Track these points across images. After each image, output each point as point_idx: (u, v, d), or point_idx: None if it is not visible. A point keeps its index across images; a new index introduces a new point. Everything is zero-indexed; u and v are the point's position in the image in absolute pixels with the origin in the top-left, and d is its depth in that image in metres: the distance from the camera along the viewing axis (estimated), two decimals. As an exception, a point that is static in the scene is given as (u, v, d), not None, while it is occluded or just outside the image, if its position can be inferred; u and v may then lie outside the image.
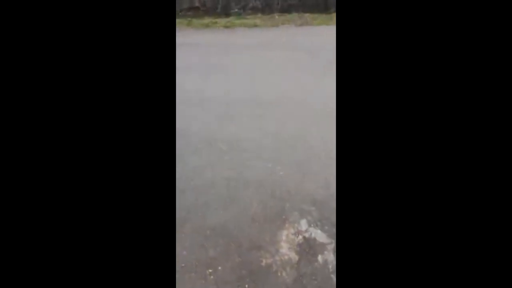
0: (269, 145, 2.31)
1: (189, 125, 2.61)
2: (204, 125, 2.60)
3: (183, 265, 1.45)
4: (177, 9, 6.47)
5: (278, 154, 2.20)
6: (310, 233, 1.59)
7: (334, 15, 5.42)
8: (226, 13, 6.28)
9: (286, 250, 1.50)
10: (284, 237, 1.57)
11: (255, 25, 5.59)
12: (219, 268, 1.43)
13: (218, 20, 5.98)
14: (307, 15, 5.87)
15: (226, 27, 5.65)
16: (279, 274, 1.40)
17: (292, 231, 1.60)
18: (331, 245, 1.51)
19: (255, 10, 6.23)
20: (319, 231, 1.59)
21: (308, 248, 1.51)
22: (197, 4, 6.45)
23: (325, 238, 1.56)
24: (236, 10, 6.28)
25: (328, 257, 1.46)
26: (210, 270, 1.43)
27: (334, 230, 1.58)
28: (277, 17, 5.95)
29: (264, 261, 1.46)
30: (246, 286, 1.35)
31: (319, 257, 1.46)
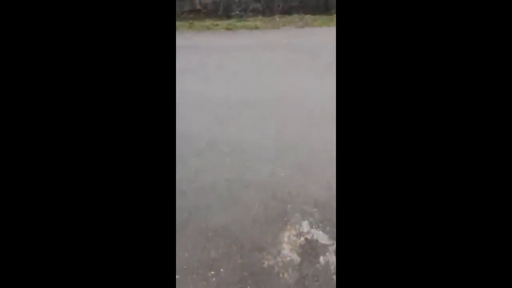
0: (270, 146, 2.31)
1: (191, 126, 2.62)
2: (205, 127, 2.61)
3: (185, 267, 1.46)
4: (179, 11, 6.50)
5: (279, 156, 2.20)
6: (312, 234, 1.59)
7: (335, 17, 5.43)
8: (227, 15, 6.30)
9: (288, 252, 1.50)
10: (286, 239, 1.57)
11: (256, 27, 5.61)
12: (221, 269, 1.44)
13: (219, 22, 6.00)
14: (308, 16, 5.88)
15: (227, 29, 5.67)
16: (281, 275, 1.40)
17: (293, 232, 1.61)
18: (333, 247, 1.51)
19: (256, 12, 6.25)
20: (321, 233, 1.59)
21: (310, 249, 1.51)
22: (198, 6, 6.48)
23: (327, 239, 1.56)
24: (237, 12, 6.30)
25: (330, 258, 1.46)
26: (212, 272, 1.43)
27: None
28: (277, 19, 5.97)
29: (266, 262, 1.46)
30: (248, 287, 1.36)
31: (321, 259, 1.46)
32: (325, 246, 1.52)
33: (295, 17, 5.95)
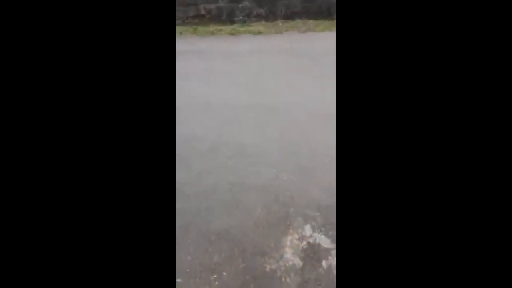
0: (273, 150, 2.32)
1: (194, 130, 2.64)
2: (208, 130, 2.62)
3: (187, 270, 1.46)
4: (183, 16, 6.58)
5: (282, 160, 2.21)
6: (314, 238, 1.58)
7: (337, 22, 5.42)
8: (230, 20, 6.36)
9: (290, 256, 1.50)
10: (288, 243, 1.57)
11: (259, 32, 5.65)
12: (224, 273, 1.44)
13: (223, 27, 6.05)
14: (310, 21, 5.91)
15: (231, 34, 5.72)
16: (283, 279, 1.39)
17: (296, 236, 1.60)
18: (336, 251, 1.51)
19: (259, 18, 6.30)
20: (323, 237, 1.59)
21: (312, 253, 1.50)
22: (202, 12, 6.55)
23: (329, 243, 1.55)
24: (241, 17, 6.35)
25: (333, 262, 1.45)
26: (215, 276, 1.43)
27: (339, 235, 1.57)
28: (280, 24, 6.01)
29: (268, 266, 1.45)
30: (250, 291, 1.35)
31: (324, 263, 1.45)
32: (327, 250, 1.51)
33: (298, 22, 5.98)
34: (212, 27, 6.11)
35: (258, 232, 1.63)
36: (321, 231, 1.62)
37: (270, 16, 6.28)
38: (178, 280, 1.42)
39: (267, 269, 1.44)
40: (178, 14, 6.58)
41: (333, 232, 1.60)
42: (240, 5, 6.37)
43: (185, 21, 6.56)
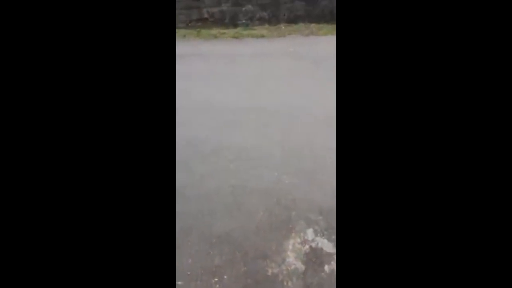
0: (275, 153, 2.31)
1: (196, 132, 2.64)
2: (211, 133, 2.62)
3: (188, 273, 1.45)
4: (186, 20, 6.62)
5: (284, 163, 2.20)
6: (316, 242, 1.57)
7: (340, 25, 5.43)
8: (234, 24, 6.39)
9: (292, 260, 1.49)
10: (290, 246, 1.55)
11: (262, 36, 5.67)
12: (225, 277, 1.42)
13: (226, 30, 6.08)
14: (313, 25, 5.93)
15: (234, 37, 5.74)
16: (285, 284, 1.38)
17: (298, 240, 1.59)
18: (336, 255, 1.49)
19: (262, 21, 6.33)
20: (325, 241, 1.57)
21: (314, 258, 1.49)
22: (205, 15, 6.59)
23: (331, 247, 1.54)
24: (244, 21, 6.38)
25: (335, 267, 1.43)
26: (216, 279, 1.42)
27: (341, 239, 1.56)
28: (283, 27, 6.03)
29: (270, 270, 1.44)
30: (252, 295, 1.34)
31: (326, 267, 1.44)
32: (330, 255, 1.50)
33: (301, 26, 6.00)
34: (215, 30, 6.14)
35: (260, 235, 1.62)
36: (323, 235, 1.61)
37: (273, 19, 6.30)
38: (178, 283, 1.41)
39: (269, 273, 1.43)
40: (182, 17, 6.62)
41: (335, 236, 1.59)
42: (243, 9, 6.40)
43: (189, 24, 6.60)
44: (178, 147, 2.40)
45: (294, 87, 3.46)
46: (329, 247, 1.54)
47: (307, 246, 1.55)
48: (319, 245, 1.55)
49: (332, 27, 5.75)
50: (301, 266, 1.45)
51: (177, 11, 6.56)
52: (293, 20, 6.20)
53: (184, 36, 6.03)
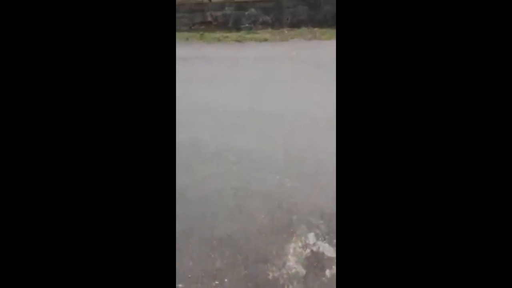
0: (277, 157, 2.31)
1: (199, 135, 2.65)
2: (214, 136, 2.63)
3: (189, 275, 1.44)
4: (190, 23, 6.67)
5: (286, 166, 2.20)
6: (318, 246, 1.56)
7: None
8: (237, 27, 6.43)
9: (293, 264, 1.48)
10: (291, 250, 1.55)
11: (265, 39, 5.70)
12: (225, 280, 1.42)
13: (229, 34, 6.12)
14: (316, 29, 5.96)
15: (237, 41, 5.77)
16: (285, 287, 1.38)
17: (299, 244, 1.58)
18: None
19: (265, 25, 6.36)
20: (327, 245, 1.57)
21: (315, 262, 1.48)
22: (209, 18, 6.64)
23: (333, 252, 1.53)
24: (247, 25, 6.42)
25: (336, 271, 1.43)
26: (216, 282, 1.41)
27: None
28: (286, 31, 6.06)
29: (270, 274, 1.44)
30: (252, 299, 1.33)
31: (327, 272, 1.43)
32: (331, 259, 1.49)
33: (304, 30, 6.03)
34: (218, 34, 6.18)
35: (261, 238, 1.62)
36: (324, 239, 1.60)
37: (276, 23, 6.34)
38: (179, 285, 1.40)
39: (270, 277, 1.42)
40: (185, 20, 6.67)
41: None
42: (247, 13, 6.44)
43: (192, 27, 6.65)
44: (180, 148, 2.40)
45: (296, 91, 3.47)
46: (330, 251, 1.53)
47: (308, 250, 1.55)
48: (320, 249, 1.55)
49: (335, 32, 5.77)
50: (302, 270, 1.45)
51: (180, 14, 6.61)
52: (296, 24, 6.24)
53: (187, 39, 6.07)
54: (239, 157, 2.32)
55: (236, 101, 3.30)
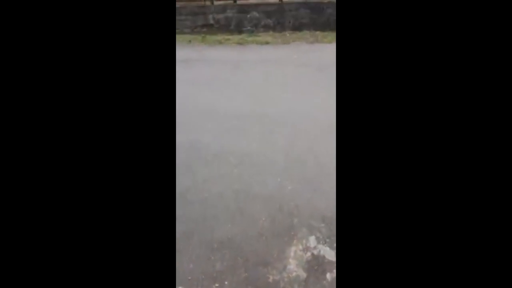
0: (279, 160, 2.31)
1: (200, 137, 2.65)
2: (215, 138, 2.63)
3: (189, 277, 1.44)
4: (192, 25, 6.69)
5: (287, 169, 2.19)
6: (319, 250, 1.56)
7: (344, 34, 5.44)
8: (238, 30, 6.46)
9: (294, 267, 1.48)
10: (292, 254, 1.54)
11: (267, 42, 5.71)
12: (226, 282, 1.41)
13: (231, 37, 6.14)
14: (318, 33, 5.97)
15: (239, 43, 5.79)
16: (286, 291, 1.37)
17: (300, 247, 1.58)
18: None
19: (267, 28, 6.38)
20: (328, 249, 1.56)
21: (316, 265, 1.48)
22: (211, 21, 6.67)
23: (334, 255, 1.52)
24: (249, 27, 6.44)
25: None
26: (217, 285, 1.41)
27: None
28: (288, 35, 6.08)
29: (271, 277, 1.43)
30: (253, 302, 1.33)
31: (328, 275, 1.43)
32: (332, 263, 1.49)
33: (306, 33, 6.05)
34: (220, 36, 6.20)
35: (262, 241, 1.62)
36: (325, 243, 1.59)
37: (278, 26, 6.36)
38: (179, 287, 1.40)
39: (270, 280, 1.42)
40: (187, 22, 6.70)
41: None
42: (249, 16, 6.47)
43: (194, 29, 6.67)
44: (181, 150, 2.40)
45: (298, 94, 3.47)
46: (331, 255, 1.53)
47: (309, 254, 1.54)
48: (321, 252, 1.54)
49: (337, 35, 5.77)
50: (302, 274, 1.44)
51: (182, 17, 6.64)
52: (298, 27, 6.25)
53: (189, 41, 6.09)
54: (240, 160, 2.32)
55: (238, 103, 3.31)
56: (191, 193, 1.99)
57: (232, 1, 6.52)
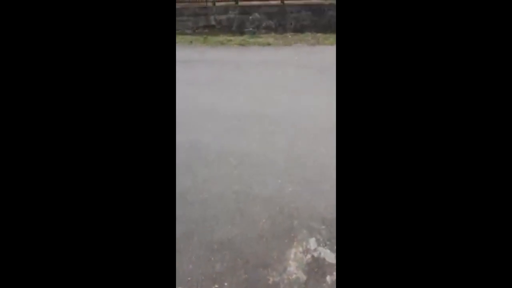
0: (279, 161, 2.31)
1: (201, 137, 2.64)
2: (216, 139, 2.63)
3: (189, 278, 1.43)
4: (193, 26, 6.71)
5: (288, 171, 2.19)
6: (319, 252, 1.55)
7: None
8: (240, 31, 6.47)
9: (294, 269, 1.47)
10: (292, 256, 1.54)
11: (268, 44, 5.72)
12: (225, 284, 1.41)
13: (232, 38, 6.15)
14: (319, 35, 5.98)
15: (240, 45, 5.80)
16: (286, 293, 1.36)
17: (300, 249, 1.57)
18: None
19: (268, 30, 6.39)
20: (328, 251, 1.55)
21: (316, 268, 1.47)
22: (213, 22, 6.68)
23: (334, 258, 1.52)
24: (250, 29, 6.45)
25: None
26: (216, 286, 1.40)
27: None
28: (289, 36, 6.09)
29: (271, 279, 1.42)
30: (252, 304, 1.32)
31: (328, 278, 1.42)
32: (332, 265, 1.48)
33: (307, 35, 6.06)
34: (222, 37, 6.21)
35: (262, 243, 1.61)
36: (326, 245, 1.59)
37: (279, 28, 6.37)
38: (178, 289, 1.39)
39: (270, 282, 1.41)
40: (189, 23, 6.71)
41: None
42: (250, 17, 6.48)
43: (196, 30, 6.68)
44: (181, 151, 2.40)
45: (299, 95, 3.47)
46: (331, 257, 1.52)
47: (309, 256, 1.53)
48: (322, 255, 1.54)
49: (338, 37, 5.78)
50: (302, 276, 1.43)
51: (184, 18, 6.65)
52: (299, 29, 6.26)
53: (191, 42, 6.10)
54: (241, 161, 2.32)
55: (238, 104, 3.31)
56: (191, 193, 1.98)
57: (233, 3, 6.54)
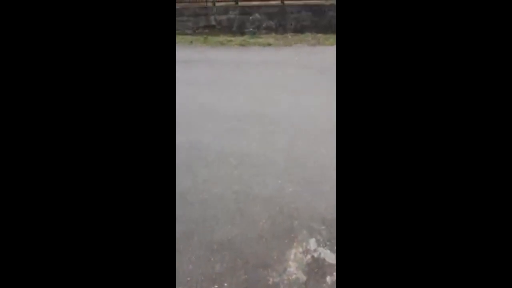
0: (279, 161, 2.30)
1: (201, 137, 2.64)
2: (216, 139, 2.63)
3: (188, 279, 1.43)
4: (194, 26, 6.71)
5: (287, 171, 2.19)
6: (319, 253, 1.55)
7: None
8: (241, 32, 6.47)
9: (294, 270, 1.47)
10: (292, 256, 1.53)
11: (269, 44, 5.72)
12: (225, 284, 1.40)
13: (233, 38, 6.15)
14: (319, 35, 5.98)
15: (241, 45, 5.80)
16: (286, 294, 1.36)
17: (300, 250, 1.57)
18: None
19: (269, 30, 6.40)
20: (328, 251, 1.55)
21: (316, 268, 1.47)
22: (213, 22, 6.68)
23: (334, 258, 1.51)
24: (251, 29, 6.46)
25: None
26: (216, 286, 1.40)
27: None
28: (290, 36, 6.09)
29: (271, 279, 1.42)
30: (252, 304, 1.32)
31: (328, 278, 1.42)
32: (332, 266, 1.48)
33: (307, 35, 6.06)
34: (222, 38, 6.21)
35: (262, 243, 1.61)
36: (326, 246, 1.58)
37: (280, 29, 6.37)
38: (178, 289, 1.39)
39: (270, 282, 1.41)
40: (189, 24, 6.72)
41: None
42: (251, 17, 6.48)
43: (196, 31, 6.69)
44: (181, 151, 2.40)
45: (299, 96, 3.47)
46: (331, 258, 1.52)
47: (309, 256, 1.53)
48: (322, 255, 1.53)
49: (338, 38, 5.78)
50: (302, 277, 1.43)
51: (184, 18, 6.66)
52: (299, 30, 6.27)
53: (191, 42, 6.11)
54: (241, 161, 2.31)
55: (239, 104, 3.30)
56: (191, 193, 1.98)
57: (234, 3, 6.54)
